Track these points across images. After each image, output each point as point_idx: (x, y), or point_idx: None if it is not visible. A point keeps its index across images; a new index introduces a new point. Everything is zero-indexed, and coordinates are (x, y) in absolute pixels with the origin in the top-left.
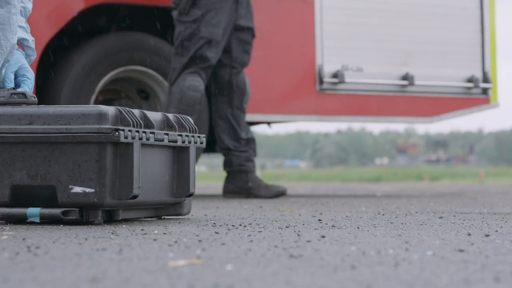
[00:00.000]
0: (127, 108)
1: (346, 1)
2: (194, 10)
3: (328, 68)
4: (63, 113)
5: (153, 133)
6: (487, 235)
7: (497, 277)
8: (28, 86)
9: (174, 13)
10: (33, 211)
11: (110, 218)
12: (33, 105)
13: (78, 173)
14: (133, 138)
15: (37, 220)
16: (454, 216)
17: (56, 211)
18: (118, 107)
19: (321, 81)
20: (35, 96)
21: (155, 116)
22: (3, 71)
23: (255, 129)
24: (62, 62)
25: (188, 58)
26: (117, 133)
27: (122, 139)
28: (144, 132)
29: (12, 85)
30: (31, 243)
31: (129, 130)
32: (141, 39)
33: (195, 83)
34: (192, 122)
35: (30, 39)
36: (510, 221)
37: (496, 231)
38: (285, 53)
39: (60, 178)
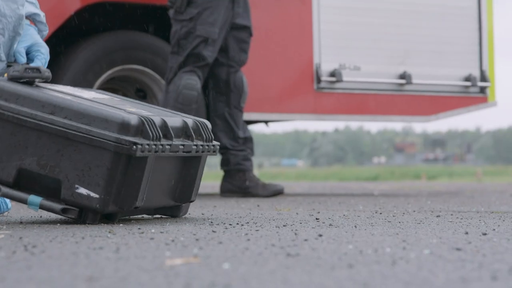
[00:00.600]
0: (149, 118)
1: (343, 0)
2: (190, 9)
3: (326, 67)
4: (86, 112)
5: (170, 145)
6: (485, 234)
7: (494, 275)
8: (41, 61)
9: (171, 12)
10: (34, 200)
11: (107, 219)
12: (59, 94)
13: (87, 175)
14: (149, 151)
15: (36, 209)
16: (452, 215)
17: (57, 206)
18: (142, 117)
19: (318, 80)
20: (49, 71)
21: (175, 123)
22: (15, 46)
23: (252, 128)
24: (59, 61)
25: (185, 57)
26: (134, 147)
27: (139, 154)
28: (162, 145)
29: (25, 60)
30: (28, 242)
31: (147, 144)
32: (138, 38)
33: (192, 81)
34: (210, 129)
35: (41, 14)
36: (508, 219)
37: (494, 229)
38: (283, 52)
39: (69, 175)
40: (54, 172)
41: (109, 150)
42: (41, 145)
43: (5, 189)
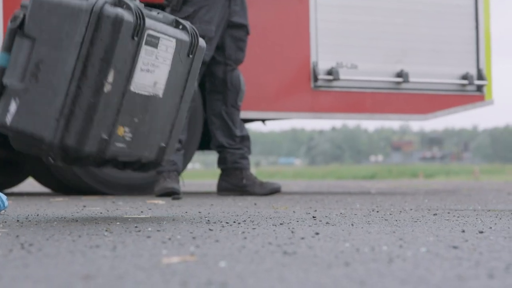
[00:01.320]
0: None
1: None
2: (186, 7)
3: (323, 65)
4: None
5: None
6: (481, 232)
7: (491, 273)
8: None
9: (167, 10)
10: (4, 59)
11: None
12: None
13: (29, 109)
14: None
15: None
16: (448, 213)
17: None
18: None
19: (315, 78)
20: None
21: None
22: None
23: (249, 126)
24: None
25: None
26: (51, 159)
27: (45, 160)
28: None
29: None
30: (24, 240)
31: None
32: None
33: None
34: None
35: None
36: (504, 218)
37: (490, 228)
38: (280, 50)
39: (30, 90)
40: (33, 76)
41: (47, 128)
42: (55, 60)
43: (12, 25)
